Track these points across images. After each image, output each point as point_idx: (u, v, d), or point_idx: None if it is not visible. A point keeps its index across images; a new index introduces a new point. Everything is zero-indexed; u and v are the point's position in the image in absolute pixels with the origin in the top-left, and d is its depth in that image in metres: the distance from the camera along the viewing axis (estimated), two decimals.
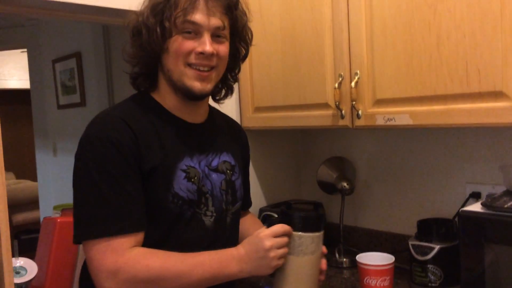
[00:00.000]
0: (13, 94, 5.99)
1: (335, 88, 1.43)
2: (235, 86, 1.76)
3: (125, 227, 0.99)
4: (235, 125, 1.39)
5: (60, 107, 3.60)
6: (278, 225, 1.05)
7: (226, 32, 1.11)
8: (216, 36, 1.08)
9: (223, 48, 1.10)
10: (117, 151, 1.00)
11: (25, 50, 4.08)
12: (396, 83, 1.32)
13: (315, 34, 1.51)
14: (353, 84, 1.39)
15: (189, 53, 1.06)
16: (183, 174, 1.09)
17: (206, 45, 1.05)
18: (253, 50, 1.70)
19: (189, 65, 1.07)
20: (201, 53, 1.05)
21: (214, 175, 1.16)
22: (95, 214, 0.99)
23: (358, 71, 1.40)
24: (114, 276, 0.96)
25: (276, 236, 1.03)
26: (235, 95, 1.78)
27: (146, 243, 1.03)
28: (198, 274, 1.00)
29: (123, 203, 0.99)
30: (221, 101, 1.28)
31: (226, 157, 1.22)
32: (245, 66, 1.73)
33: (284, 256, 1.05)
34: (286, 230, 1.04)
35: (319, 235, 1.09)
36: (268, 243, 1.02)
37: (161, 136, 1.09)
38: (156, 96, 1.15)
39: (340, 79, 1.43)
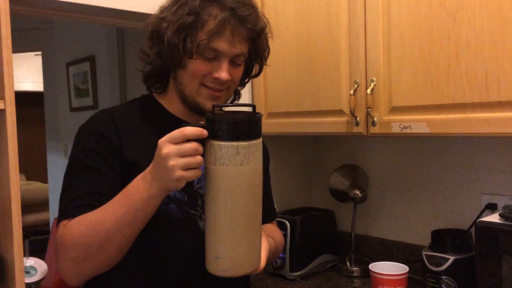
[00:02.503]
0: (26, 97, 6.06)
1: (350, 95, 1.42)
2: (249, 91, 1.79)
3: (82, 209, 0.97)
4: None
5: (72, 109, 3.63)
6: (178, 129, 0.86)
7: (245, 56, 1.11)
8: (234, 60, 1.08)
9: (238, 72, 1.11)
10: (95, 138, 1.04)
11: (40, 53, 4.12)
12: (413, 90, 1.31)
13: (330, 40, 1.50)
14: (368, 91, 1.38)
15: (205, 75, 1.06)
16: None
17: (223, 72, 1.05)
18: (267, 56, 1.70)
19: (203, 85, 1.07)
20: (217, 78, 1.06)
21: None
22: (64, 198, 1.02)
23: (374, 78, 1.38)
24: (57, 251, 0.97)
25: (175, 142, 0.85)
26: (248, 100, 1.78)
27: (140, 246, 1.00)
28: (110, 213, 0.92)
29: (86, 185, 1.00)
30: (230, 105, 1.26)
31: None
32: None
33: (195, 166, 0.86)
34: (190, 134, 0.85)
35: (247, 144, 0.88)
36: (165, 150, 0.85)
37: (153, 134, 1.04)
38: (162, 99, 1.16)
39: (356, 85, 1.42)
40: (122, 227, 0.92)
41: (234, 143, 0.86)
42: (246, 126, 0.88)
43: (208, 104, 1.07)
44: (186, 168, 0.85)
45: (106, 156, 1.02)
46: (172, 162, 0.84)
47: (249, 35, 1.07)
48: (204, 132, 0.86)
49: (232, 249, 0.89)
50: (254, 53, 1.14)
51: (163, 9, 1.09)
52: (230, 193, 0.88)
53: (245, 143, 0.87)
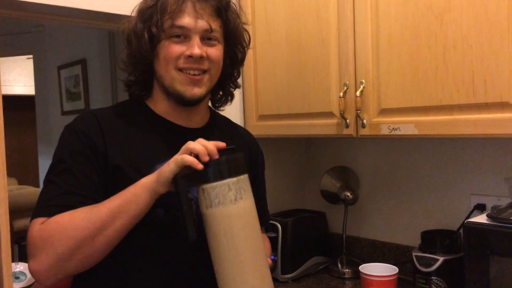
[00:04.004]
0: (17, 100, 6.02)
1: (340, 97, 1.43)
2: (240, 93, 1.79)
3: (62, 208, 0.96)
4: (243, 133, 1.32)
5: (64, 113, 3.61)
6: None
7: (218, 35, 1.09)
8: (206, 39, 1.06)
9: (214, 51, 1.08)
10: (79, 139, 1.03)
11: (31, 56, 4.10)
12: (402, 92, 1.32)
13: (320, 43, 1.51)
14: (358, 93, 1.39)
15: (178, 57, 1.04)
16: None
17: (195, 48, 1.03)
18: (258, 57, 1.71)
19: (180, 70, 1.05)
20: (190, 56, 1.03)
21: None
22: (42, 195, 1.01)
23: (363, 80, 1.39)
24: (35, 248, 0.95)
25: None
26: (239, 102, 1.79)
27: (127, 250, 1.00)
28: (106, 204, 0.95)
29: (68, 185, 0.99)
30: (222, 108, 1.25)
31: None
32: (249, 74, 1.73)
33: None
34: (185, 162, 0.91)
35: (236, 179, 0.93)
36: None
37: (140, 137, 1.07)
38: (148, 102, 1.15)
39: (345, 88, 1.43)
40: (115, 218, 0.94)
41: (225, 181, 0.92)
42: (232, 163, 0.94)
43: (188, 90, 1.06)
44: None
45: (89, 157, 1.01)
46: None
47: (214, 7, 1.06)
48: (200, 166, 0.91)
49: (247, 283, 0.92)
50: (228, 31, 1.11)
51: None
52: (232, 230, 0.92)
53: (234, 179, 0.93)
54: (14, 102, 6.21)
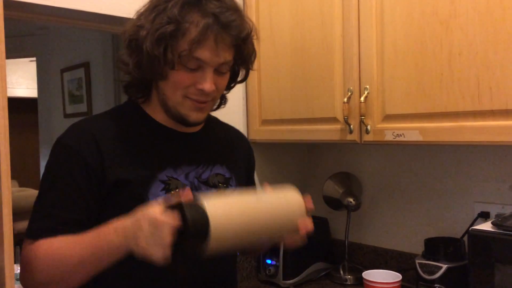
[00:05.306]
0: (19, 103, 6.03)
1: (344, 103, 1.42)
2: (243, 97, 1.79)
3: (44, 231, 0.96)
4: (237, 135, 1.30)
5: (66, 116, 3.62)
6: (166, 215, 0.82)
7: (230, 64, 1.05)
8: (218, 70, 1.02)
9: (223, 81, 1.05)
10: (69, 156, 1.00)
11: (34, 59, 4.11)
12: (406, 99, 1.31)
13: (324, 48, 1.50)
14: (362, 98, 1.38)
15: (189, 86, 1.01)
16: (162, 185, 1.03)
17: (207, 83, 0.99)
18: (261, 63, 1.71)
19: (187, 97, 1.02)
20: (201, 90, 1.00)
21: (204, 189, 1.09)
22: (32, 212, 1.01)
23: (367, 86, 1.39)
24: (22, 267, 0.97)
25: (156, 225, 0.82)
26: (242, 107, 1.78)
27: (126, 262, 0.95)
28: (77, 251, 0.92)
29: (51, 206, 0.98)
30: (215, 110, 1.22)
31: (219, 169, 1.14)
32: (253, 79, 1.73)
33: (163, 254, 0.83)
34: (171, 225, 0.82)
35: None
36: (143, 225, 0.83)
37: (140, 146, 1.05)
38: (146, 107, 1.11)
39: (349, 93, 1.42)
40: (86, 266, 0.93)
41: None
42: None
43: (192, 116, 1.04)
44: (153, 250, 0.83)
45: (76, 177, 0.98)
46: (142, 239, 0.83)
47: (234, 42, 1.00)
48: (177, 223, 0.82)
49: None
50: (240, 59, 1.08)
51: (140, 15, 1.02)
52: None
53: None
54: (16, 105, 6.22)
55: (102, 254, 0.91)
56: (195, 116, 1.04)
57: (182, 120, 1.06)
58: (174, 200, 0.86)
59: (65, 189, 0.98)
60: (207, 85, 0.99)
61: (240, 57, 1.07)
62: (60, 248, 0.94)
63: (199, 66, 0.99)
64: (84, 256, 0.92)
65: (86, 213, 0.99)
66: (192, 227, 0.81)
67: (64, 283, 0.95)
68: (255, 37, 1.09)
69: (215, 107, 1.19)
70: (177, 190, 1.00)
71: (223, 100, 1.19)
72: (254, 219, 0.89)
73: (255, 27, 1.08)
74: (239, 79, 1.15)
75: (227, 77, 1.07)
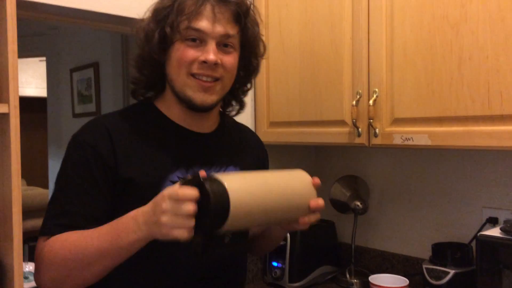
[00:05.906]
0: (28, 102, 6.08)
1: (352, 106, 1.42)
2: (251, 99, 1.79)
3: (61, 228, 0.96)
4: (253, 138, 1.30)
5: (75, 115, 3.64)
6: (178, 187, 0.82)
7: (235, 42, 1.04)
8: (223, 45, 1.02)
9: (230, 59, 1.03)
10: (84, 152, 1.00)
11: (44, 58, 4.14)
12: (416, 102, 1.31)
13: (334, 51, 1.50)
14: (371, 102, 1.38)
15: (192, 62, 1.00)
16: None
17: (210, 53, 0.99)
18: (270, 64, 1.71)
19: (192, 75, 1.02)
20: (204, 62, 0.99)
21: None
22: (48, 210, 1.00)
23: (376, 89, 1.38)
24: (36, 265, 0.97)
25: (177, 199, 0.81)
26: (250, 108, 1.78)
27: (133, 259, 0.96)
28: (95, 243, 0.91)
29: (68, 202, 0.98)
30: (234, 116, 1.23)
31: (232, 171, 1.14)
32: (262, 81, 1.73)
33: (188, 228, 0.81)
34: (193, 196, 0.81)
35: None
36: (164, 205, 0.82)
37: (153, 146, 1.05)
38: (160, 105, 1.11)
39: (358, 96, 1.42)
40: (104, 259, 0.92)
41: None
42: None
43: (199, 97, 1.02)
44: (177, 227, 0.82)
45: (94, 173, 0.98)
46: (165, 219, 0.82)
47: (233, 12, 1.01)
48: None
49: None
50: (245, 39, 1.07)
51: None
52: None
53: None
54: (25, 104, 6.26)
55: (122, 244, 0.89)
56: (201, 97, 1.03)
57: (189, 104, 1.04)
58: (189, 176, 0.86)
59: (83, 185, 0.98)
60: (209, 55, 0.99)
61: (245, 37, 1.07)
62: (77, 240, 0.94)
63: (200, 39, 1.00)
64: (102, 247, 0.91)
65: (103, 209, 0.99)
66: (213, 198, 0.81)
67: (81, 278, 0.94)
68: (260, 21, 1.11)
69: (233, 112, 1.20)
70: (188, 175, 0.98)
71: (241, 105, 1.19)
72: (270, 193, 0.90)
73: (257, 9, 1.10)
74: (252, 70, 1.14)
75: (233, 57, 1.05)
